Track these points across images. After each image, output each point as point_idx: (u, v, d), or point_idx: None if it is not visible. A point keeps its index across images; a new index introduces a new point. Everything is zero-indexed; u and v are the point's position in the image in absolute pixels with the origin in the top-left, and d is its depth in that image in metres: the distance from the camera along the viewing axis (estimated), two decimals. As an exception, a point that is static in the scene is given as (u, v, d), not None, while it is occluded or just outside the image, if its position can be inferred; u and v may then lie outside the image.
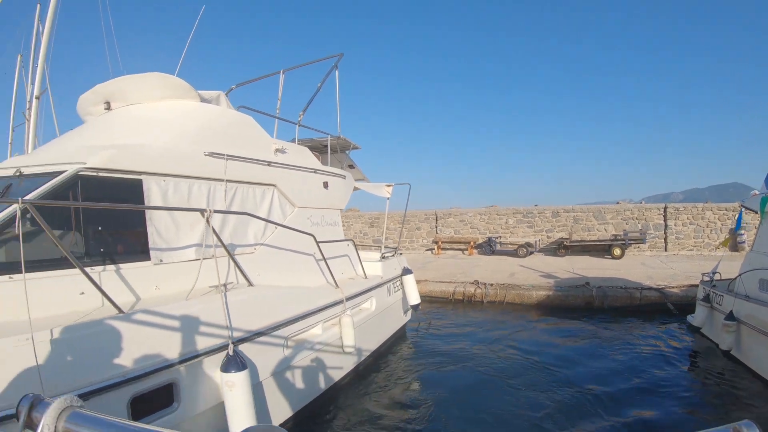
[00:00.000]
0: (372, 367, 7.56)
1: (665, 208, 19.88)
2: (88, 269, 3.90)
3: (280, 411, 5.13)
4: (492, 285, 13.07)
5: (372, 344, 7.69)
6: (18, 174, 4.50)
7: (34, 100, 11.92)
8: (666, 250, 19.62)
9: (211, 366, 4.21)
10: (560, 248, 20.03)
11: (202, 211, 4.68)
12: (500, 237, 21.82)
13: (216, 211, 4.91)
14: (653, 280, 12.81)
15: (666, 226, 19.77)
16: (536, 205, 22.66)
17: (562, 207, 21.59)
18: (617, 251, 18.50)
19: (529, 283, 13.20)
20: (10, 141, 21.90)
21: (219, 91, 6.76)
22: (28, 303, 3.25)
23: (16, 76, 21.69)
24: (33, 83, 13.94)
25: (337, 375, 6.37)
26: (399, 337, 9.28)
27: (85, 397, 3.22)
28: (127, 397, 3.57)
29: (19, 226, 3.29)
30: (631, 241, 18.84)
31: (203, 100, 6.20)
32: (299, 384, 5.45)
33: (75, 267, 3.80)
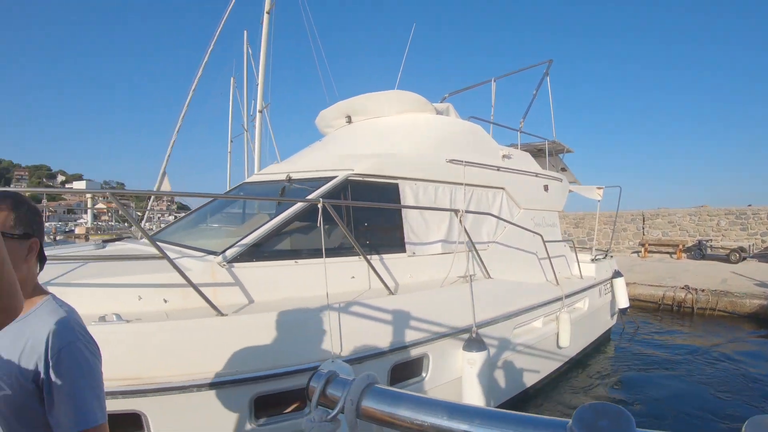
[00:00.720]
0: (578, 364, 7.53)
1: None
2: (356, 258, 4.60)
3: (501, 394, 5.43)
4: (703, 291, 11.91)
5: (582, 343, 7.66)
6: (288, 179, 5.34)
7: (257, 114, 13.60)
8: None
9: (456, 345, 4.62)
10: (776, 254, 17.44)
11: (456, 211, 5.22)
12: (711, 240, 19.47)
13: (467, 212, 5.39)
14: None
15: None
16: (750, 205, 19.85)
17: (779, 206, 18.65)
18: (841, 258, 15.51)
19: (742, 290, 11.80)
20: (229, 150, 25.65)
21: (447, 103, 7.33)
22: (327, 283, 3.87)
23: (231, 95, 25.37)
24: (254, 99, 16.04)
25: (549, 368, 6.52)
26: (605, 339, 9.06)
27: (358, 360, 3.76)
28: (389, 365, 4.08)
29: (320, 222, 3.84)
30: None
31: (437, 112, 6.79)
32: (518, 372, 5.71)
33: (348, 255, 4.49)
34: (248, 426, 3.37)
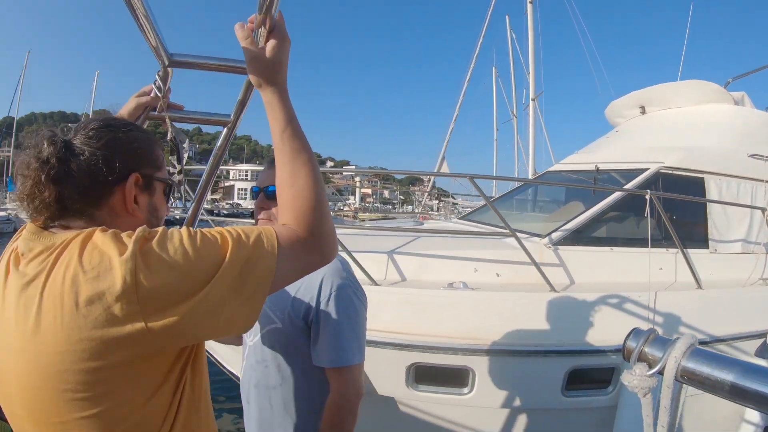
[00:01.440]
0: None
1: None
2: (662, 250, 4.66)
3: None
4: None
5: None
6: (597, 169, 5.48)
7: (530, 102, 13.90)
8: None
9: (748, 349, 4.37)
10: None
11: (763, 210, 5.04)
12: None
13: (774, 210, 5.14)
14: None
15: None
16: None
17: None
18: None
19: None
20: (495, 138, 26.20)
21: (742, 92, 6.83)
22: (650, 271, 4.02)
23: (494, 84, 25.32)
24: (525, 88, 16.12)
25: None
26: None
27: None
28: None
29: (648, 213, 3.99)
30: None
31: (734, 102, 6.39)
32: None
33: (656, 246, 4.51)
34: (558, 395, 3.63)
